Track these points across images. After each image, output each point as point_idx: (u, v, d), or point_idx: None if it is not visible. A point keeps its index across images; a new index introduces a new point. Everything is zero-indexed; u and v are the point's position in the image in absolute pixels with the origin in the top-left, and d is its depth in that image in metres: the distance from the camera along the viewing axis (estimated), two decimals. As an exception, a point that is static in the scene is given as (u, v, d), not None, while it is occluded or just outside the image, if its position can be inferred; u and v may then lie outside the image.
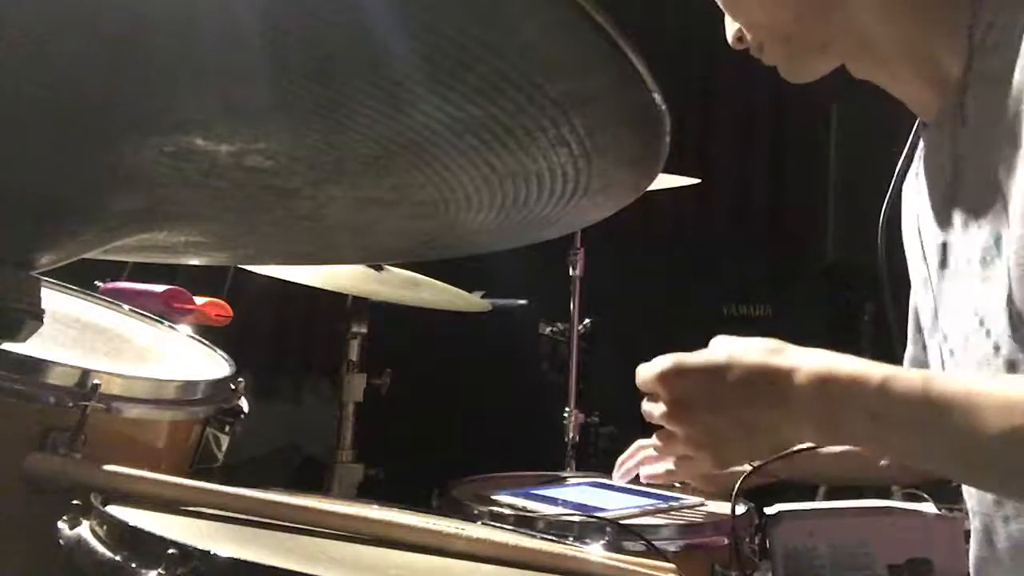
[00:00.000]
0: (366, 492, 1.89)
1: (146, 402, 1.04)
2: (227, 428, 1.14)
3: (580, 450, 2.31)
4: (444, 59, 0.54)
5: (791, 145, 3.78)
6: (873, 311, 2.98)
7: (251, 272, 1.88)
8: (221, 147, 0.64)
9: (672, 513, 1.35)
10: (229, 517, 0.82)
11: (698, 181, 2.28)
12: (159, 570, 0.63)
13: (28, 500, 0.85)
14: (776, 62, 1.08)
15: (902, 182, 1.15)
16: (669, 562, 0.94)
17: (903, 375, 0.88)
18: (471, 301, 2.11)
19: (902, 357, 1.25)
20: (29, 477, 0.84)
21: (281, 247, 0.96)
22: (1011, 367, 0.92)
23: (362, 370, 1.91)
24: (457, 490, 1.42)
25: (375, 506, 1.04)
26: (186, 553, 0.63)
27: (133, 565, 0.66)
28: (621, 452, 1.48)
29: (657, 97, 0.57)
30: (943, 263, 1.04)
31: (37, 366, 0.94)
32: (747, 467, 1.20)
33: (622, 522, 1.26)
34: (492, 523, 1.19)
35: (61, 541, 0.72)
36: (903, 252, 1.18)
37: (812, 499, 1.84)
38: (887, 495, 1.64)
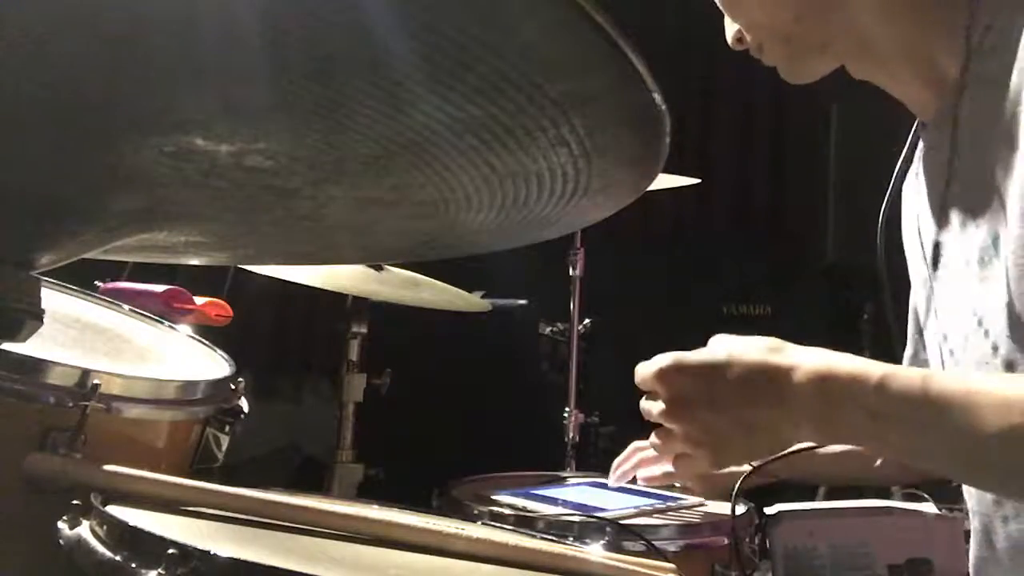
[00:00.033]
0: (366, 492, 1.89)
1: (146, 402, 1.04)
2: (227, 428, 1.14)
3: (580, 450, 2.31)
4: (444, 59, 0.54)
5: (791, 145, 3.78)
6: (873, 311, 2.98)
7: (251, 272, 1.88)
8: (221, 147, 0.64)
9: (672, 513, 1.35)
10: (229, 517, 0.82)
11: (698, 181, 2.28)
12: (159, 570, 0.63)
13: (28, 500, 0.85)
14: (776, 63, 1.08)
15: (901, 182, 1.15)
16: (669, 562, 0.94)
17: (902, 374, 0.88)
18: (471, 301, 2.11)
19: (902, 357, 1.25)
20: (29, 477, 0.84)
21: (281, 247, 0.96)
22: (1009, 367, 0.92)
23: (362, 370, 1.91)
24: (457, 490, 1.42)
25: (375, 506, 1.04)
26: (186, 553, 0.63)
27: (133, 565, 0.66)
28: (621, 452, 1.48)
29: (657, 97, 0.57)
30: (935, 263, 1.04)
31: (37, 366, 0.94)
32: (746, 467, 1.20)
33: (622, 522, 1.26)
34: (492, 523, 1.19)
35: (61, 541, 0.72)
36: (903, 252, 1.18)
37: (812, 499, 1.84)
38: (887, 495, 1.64)
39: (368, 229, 0.83)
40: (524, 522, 1.24)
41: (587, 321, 2.47)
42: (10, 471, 0.85)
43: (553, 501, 1.36)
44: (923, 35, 1.02)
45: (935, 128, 1.05)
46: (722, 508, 1.33)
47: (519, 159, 0.65)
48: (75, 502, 0.75)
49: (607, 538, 1.22)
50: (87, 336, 1.21)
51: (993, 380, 0.88)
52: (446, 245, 0.91)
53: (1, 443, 0.93)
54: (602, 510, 1.30)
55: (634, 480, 1.45)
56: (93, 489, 0.78)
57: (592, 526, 1.25)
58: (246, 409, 1.17)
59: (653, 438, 1.03)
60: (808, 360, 0.91)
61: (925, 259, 1.09)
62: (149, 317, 1.37)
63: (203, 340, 1.34)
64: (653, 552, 1.19)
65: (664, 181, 2.10)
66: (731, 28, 1.10)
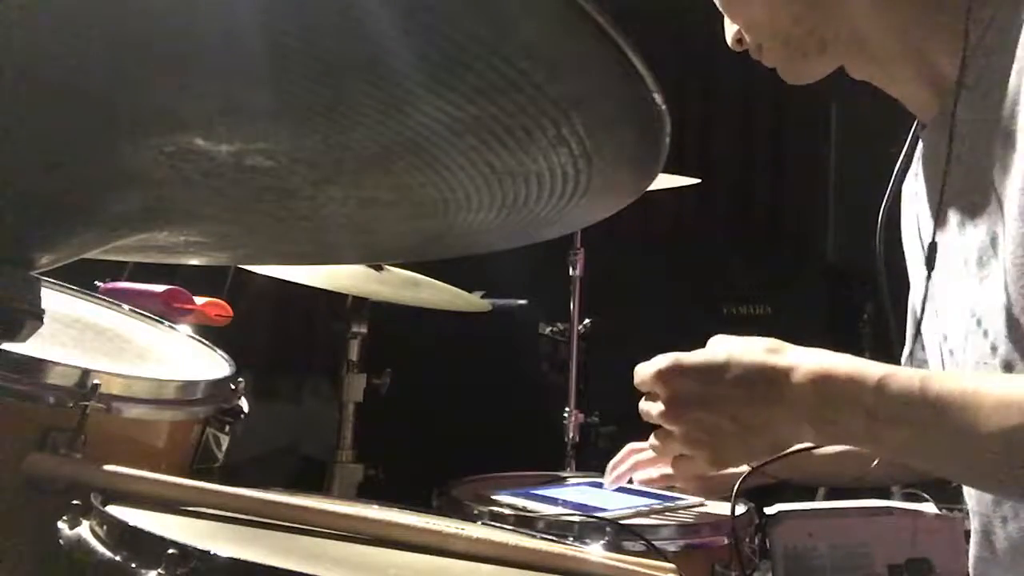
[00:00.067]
0: (366, 492, 1.89)
1: (146, 402, 1.04)
2: (227, 428, 1.14)
3: (580, 450, 2.31)
4: (444, 59, 0.54)
5: (791, 145, 3.78)
6: (873, 311, 2.98)
7: (251, 272, 1.88)
8: (221, 147, 0.64)
9: (672, 513, 1.35)
10: (229, 517, 0.82)
11: (698, 181, 2.28)
12: (159, 570, 0.63)
13: (28, 500, 0.85)
14: (775, 64, 1.08)
15: (901, 182, 1.15)
16: (669, 562, 0.94)
17: (901, 374, 0.88)
18: (471, 301, 2.11)
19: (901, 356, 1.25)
20: (29, 477, 0.84)
21: (281, 247, 0.96)
22: (1008, 367, 0.92)
23: (362, 370, 1.91)
24: (457, 490, 1.42)
25: (375, 506, 1.04)
26: (186, 553, 0.63)
27: (133, 565, 0.66)
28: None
29: (657, 97, 0.57)
30: (931, 263, 1.04)
31: (37, 366, 0.94)
32: (745, 468, 1.20)
33: (622, 522, 1.26)
34: (492, 523, 1.19)
35: (61, 541, 0.72)
36: (902, 252, 1.18)
37: (812, 499, 1.84)
38: (887, 495, 1.64)
39: (368, 229, 0.83)
40: (524, 522, 1.24)
41: (587, 321, 2.46)
42: (10, 471, 0.85)
43: (553, 501, 1.36)
44: (922, 35, 1.02)
45: (934, 128, 1.05)
46: (722, 508, 1.33)
47: (519, 159, 0.65)
48: (75, 502, 0.75)
49: (607, 538, 1.22)
50: (87, 336, 1.21)
51: (992, 380, 0.88)
52: (446, 245, 0.91)
53: (1, 443, 0.93)
54: (602, 510, 1.30)
55: (631, 482, 1.45)
56: (93, 489, 0.78)
57: (592, 526, 1.25)
58: (246, 409, 1.17)
59: (652, 439, 1.03)
60: (807, 361, 0.91)
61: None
62: (149, 317, 1.37)
63: (203, 340, 1.34)
64: (653, 552, 1.19)
65: (664, 181, 2.10)
66: (731, 29, 1.10)
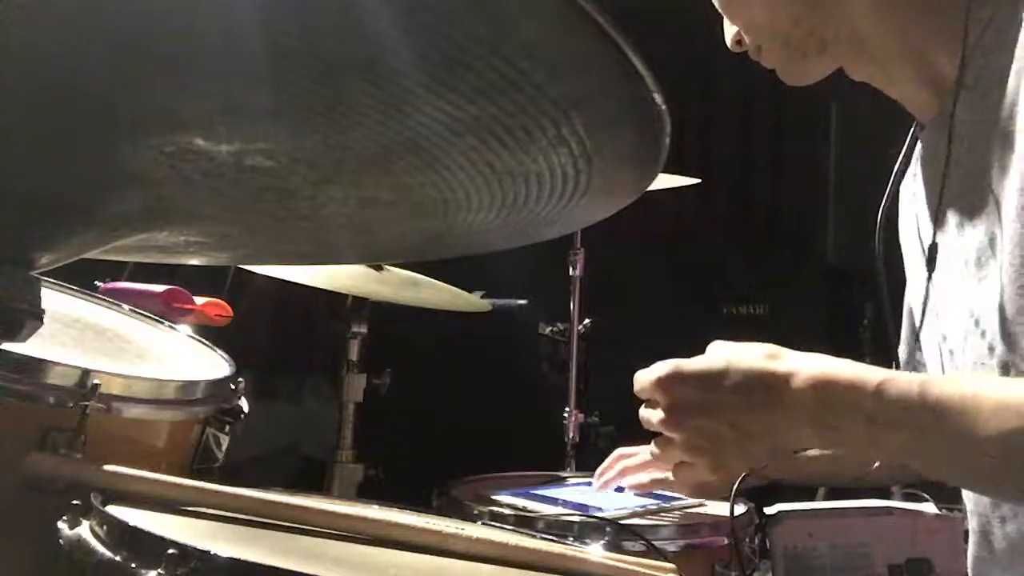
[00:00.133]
0: (366, 492, 1.89)
1: (146, 402, 1.04)
2: (227, 428, 1.14)
3: (580, 450, 2.31)
4: (444, 59, 0.54)
5: (791, 145, 3.78)
6: (872, 311, 2.98)
7: (251, 272, 1.88)
8: (221, 147, 0.64)
9: (672, 513, 1.35)
10: (229, 517, 0.82)
11: (698, 181, 2.28)
12: (159, 570, 0.63)
13: (28, 500, 0.85)
14: (774, 65, 1.08)
15: (899, 183, 1.15)
16: (669, 562, 0.94)
17: (900, 379, 0.88)
18: (471, 301, 2.11)
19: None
20: (29, 477, 0.84)
21: (281, 247, 0.96)
22: (1005, 367, 0.92)
23: (362, 370, 1.91)
24: (457, 490, 1.42)
25: (375, 506, 1.04)
26: (186, 553, 0.63)
27: (133, 565, 0.66)
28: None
29: (657, 97, 0.57)
30: (931, 263, 1.04)
31: (37, 366, 0.94)
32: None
33: (622, 522, 1.26)
34: (492, 523, 1.19)
35: (61, 541, 0.72)
36: (901, 253, 1.18)
37: (812, 499, 1.84)
38: (887, 495, 1.64)
39: (368, 229, 0.83)
40: (524, 522, 1.24)
41: (587, 321, 2.46)
42: (10, 471, 0.85)
43: (553, 501, 1.36)
44: (921, 36, 1.02)
45: (933, 129, 1.05)
46: (722, 508, 1.33)
47: (519, 159, 0.65)
48: (75, 502, 0.75)
49: (607, 538, 1.22)
50: (87, 336, 1.21)
51: (991, 384, 0.88)
52: (446, 245, 0.91)
53: (1, 443, 0.93)
54: (602, 510, 1.30)
55: (620, 489, 1.45)
56: (93, 489, 0.78)
57: (592, 526, 1.25)
58: (246, 409, 1.17)
59: (652, 447, 1.03)
60: (806, 366, 0.91)
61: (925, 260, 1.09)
62: (149, 317, 1.37)
63: (203, 340, 1.34)
64: (653, 552, 1.19)
65: (664, 181, 2.10)
66: (730, 30, 1.10)
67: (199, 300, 1.46)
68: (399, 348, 2.25)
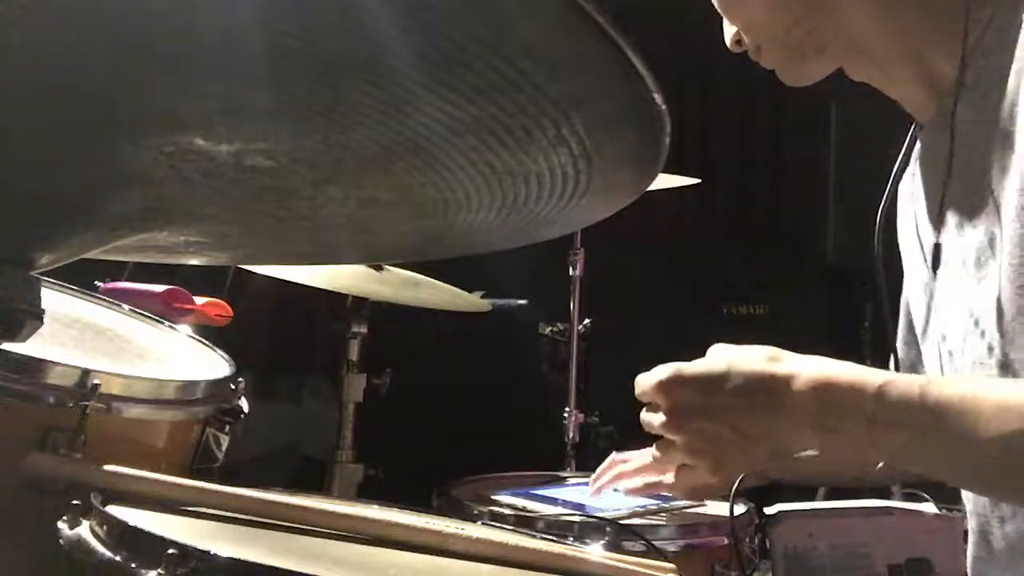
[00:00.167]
0: (366, 492, 1.89)
1: (146, 402, 1.04)
2: (227, 428, 1.14)
3: (580, 450, 2.31)
4: (444, 59, 0.54)
5: (791, 145, 3.78)
6: (872, 311, 2.98)
7: (251, 272, 1.88)
8: (221, 147, 0.64)
9: (672, 513, 1.35)
10: (229, 517, 0.82)
11: (698, 181, 2.27)
12: (159, 570, 0.64)
13: (28, 500, 0.85)
14: (773, 65, 1.08)
15: (898, 183, 1.15)
16: (669, 562, 0.94)
17: (901, 381, 0.88)
18: (471, 301, 2.11)
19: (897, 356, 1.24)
20: (29, 477, 0.84)
21: (281, 247, 0.96)
22: (1004, 368, 0.92)
23: (362, 370, 1.91)
24: (457, 490, 1.42)
25: (375, 506, 1.04)
26: (186, 553, 0.63)
27: (133, 565, 0.66)
28: (621, 452, 1.47)
29: (657, 97, 0.57)
30: (935, 264, 1.04)
31: (37, 366, 0.94)
32: None
33: (622, 522, 1.26)
34: (492, 523, 1.19)
35: (61, 541, 0.72)
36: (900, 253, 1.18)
37: (812, 499, 1.84)
38: (887, 495, 1.64)
39: (368, 229, 0.83)
40: (524, 522, 1.24)
41: (587, 321, 2.46)
42: (10, 471, 0.85)
43: (553, 501, 1.36)
44: (920, 37, 1.02)
45: (932, 129, 1.05)
46: (722, 508, 1.33)
47: (519, 159, 0.65)
48: (75, 502, 0.75)
49: (607, 538, 1.22)
50: (87, 336, 1.21)
51: (991, 386, 0.88)
52: (446, 245, 0.91)
53: (1, 443, 0.93)
54: (602, 510, 1.30)
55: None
56: (93, 489, 0.78)
57: (592, 526, 1.25)
58: (246, 409, 1.17)
59: (654, 450, 1.03)
60: (807, 368, 0.91)
61: (925, 260, 1.09)
62: (149, 317, 1.37)
63: (203, 340, 1.34)
64: (653, 552, 1.19)
65: (664, 181, 2.10)
66: (729, 30, 1.10)
67: (199, 300, 1.46)
68: (399, 348, 2.25)
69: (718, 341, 1.00)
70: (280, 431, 3.37)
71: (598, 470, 1.44)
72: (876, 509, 1.21)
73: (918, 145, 1.11)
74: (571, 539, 1.15)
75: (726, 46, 1.11)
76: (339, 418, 1.90)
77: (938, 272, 1.04)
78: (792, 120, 3.71)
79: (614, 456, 1.42)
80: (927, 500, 1.24)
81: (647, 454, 1.36)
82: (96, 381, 0.96)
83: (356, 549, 0.81)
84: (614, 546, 1.20)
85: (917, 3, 1.02)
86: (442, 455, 2.22)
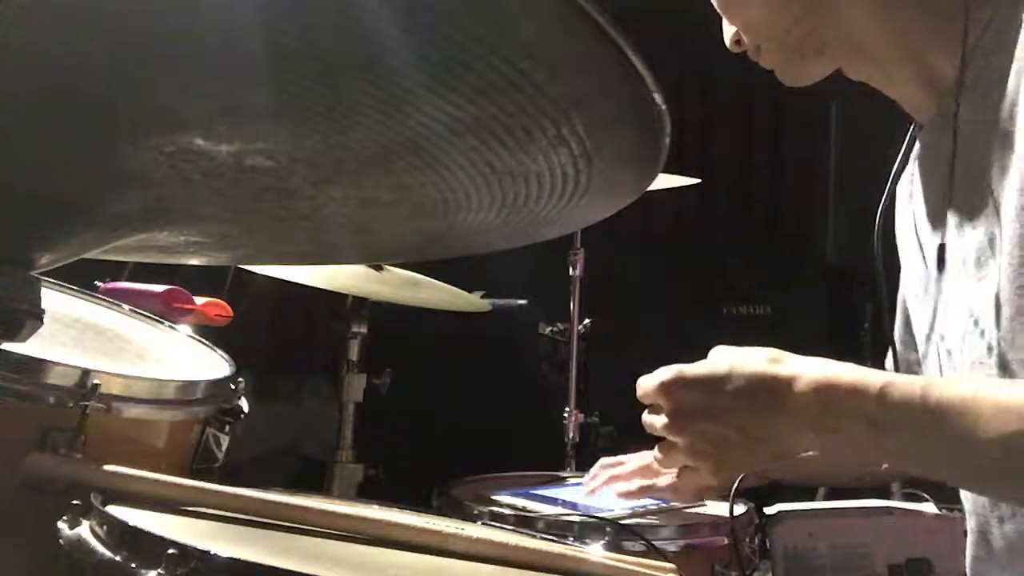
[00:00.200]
0: (366, 492, 1.89)
1: (146, 402, 1.04)
2: (227, 428, 1.14)
3: (580, 450, 2.31)
4: (444, 59, 0.54)
5: (790, 145, 3.78)
6: (872, 311, 2.98)
7: (251, 272, 1.88)
8: (221, 147, 0.64)
9: (672, 513, 1.35)
10: (229, 517, 0.82)
11: (698, 181, 2.28)
12: (159, 570, 0.63)
13: (28, 500, 0.85)
14: (773, 66, 1.08)
15: (897, 183, 1.15)
16: (669, 562, 0.94)
17: (902, 382, 0.88)
18: (471, 301, 2.11)
19: (896, 356, 1.24)
20: (29, 477, 0.84)
21: (281, 247, 0.96)
22: (1003, 368, 0.93)
23: (362, 370, 1.91)
24: (457, 490, 1.42)
25: (375, 506, 1.04)
26: (186, 553, 0.63)
27: (133, 565, 0.66)
28: (621, 452, 1.47)
29: (657, 97, 0.57)
30: (941, 264, 1.04)
31: (37, 366, 0.94)
32: None
33: (622, 522, 1.26)
34: (492, 523, 1.19)
35: (61, 541, 0.72)
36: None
37: (812, 499, 1.84)
38: (887, 495, 1.64)
39: (368, 229, 0.83)
40: (524, 522, 1.24)
41: (587, 321, 2.46)
42: (10, 471, 0.85)
43: (553, 501, 1.36)
44: (919, 37, 1.02)
45: (932, 129, 1.05)
46: (722, 508, 1.33)
47: (519, 159, 0.65)
48: (75, 502, 0.75)
49: (607, 538, 1.22)
50: (87, 336, 1.21)
51: (992, 387, 0.88)
52: (446, 245, 0.91)
53: (1, 443, 0.93)
54: (602, 510, 1.30)
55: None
56: (93, 489, 0.78)
57: (592, 526, 1.25)
58: (246, 409, 1.17)
59: (656, 452, 1.03)
60: (808, 370, 0.91)
61: (924, 260, 1.09)
62: (149, 317, 1.37)
63: (203, 340, 1.34)
64: (653, 552, 1.19)
65: (664, 181, 2.10)
66: (729, 30, 1.10)
67: (199, 300, 1.46)
68: (399, 348, 2.25)
69: (718, 341, 1.00)
70: (280, 431, 3.37)
71: (587, 476, 1.44)
72: (876, 509, 1.21)
73: (917, 145, 1.11)
74: (571, 539, 1.15)
75: (726, 46, 1.11)
76: (339, 418, 1.90)
77: (943, 272, 1.04)
78: (792, 120, 3.71)
79: (603, 461, 1.42)
80: (927, 500, 1.24)
81: (640, 457, 1.37)
82: (96, 381, 0.96)
83: (356, 549, 0.81)
84: (614, 546, 1.20)
85: (917, 3, 1.02)
86: (442, 455, 2.22)
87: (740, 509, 1.31)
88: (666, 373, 0.97)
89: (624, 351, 2.56)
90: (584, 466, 2.19)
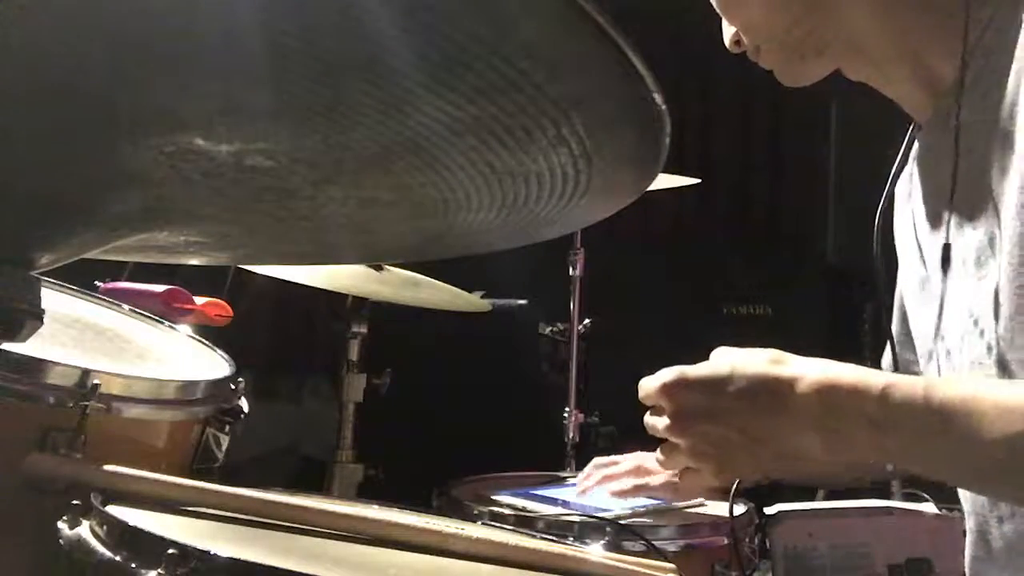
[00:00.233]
0: (366, 492, 1.89)
1: (146, 402, 1.04)
2: (227, 428, 1.14)
3: (580, 450, 2.31)
4: (443, 59, 0.54)
5: (790, 145, 3.78)
6: (872, 311, 2.98)
7: (251, 272, 1.88)
8: (221, 147, 0.64)
9: (672, 513, 1.35)
10: (229, 517, 0.82)
11: (698, 181, 2.28)
12: (159, 570, 0.64)
13: (28, 500, 0.85)
14: (772, 66, 1.08)
15: (896, 184, 1.15)
16: (669, 562, 0.94)
17: (904, 383, 0.88)
18: (471, 301, 2.11)
19: (896, 356, 1.24)
20: (29, 477, 0.84)
21: (281, 247, 0.96)
22: (1003, 368, 0.92)
23: (362, 370, 1.91)
24: (457, 490, 1.42)
25: (375, 506, 1.04)
26: (186, 553, 0.63)
27: (133, 565, 0.66)
28: (621, 452, 1.47)
29: (657, 97, 0.57)
30: (946, 264, 1.04)
31: (37, 366, 0.94)
32: None
33: (622, 522, 1.26)
34: (492, 523, 1.19)
35: (61, 541, 0.72)
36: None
37: (812, 499, 1.84)
38: (887, 495, 1.64)
39: (368, 229, 0.83)
40: (524, 522, 1.24)
41: (587, 321, 2.46)
42: (10, 471, 0.85)
43: (553, 501, 1.36)
44: (919, 36, 1.02)
45: (931, 129, 1.05)
46: (722, 508, 1.33)
47: (519, 159, 0.65)
48: (75, 502, 0.75)
49: (607, 538, 1.23)
50: (87, 336, 1.21)
51: (995, 387, 0.88)
52: (446, 245, 0.91)
53: (1, 443, 0.93)
54: (602, 510, 1.30)
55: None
56: (93, 489, 0.78)
57: (592, 526, 1.25)
58: (246, 409, 1.17)
59: (658, 454, 1.03)
60: (810, 371, 0.91)
61: (923, 260, 1.09)
62: (149, 317, 1.37)
63: (203, 340, 1.34)
64: (653, 552, 1.19)
65: (664, 181, 2.10)
66: (728, 31, 1.10)
67: (199, 300, 1.46)
68: (399, 348, 2.25)
69: (718, 341, 1.00)
70: (280, 431, 3.37)
71: (581, 475, 1.44)
72: (876, 509, 1.21)
73: (916, 145, 1.11)
74: (571, 539, 1.15)
75: (725, 46, 1.11)
76: (339, 418, 1.90)
77: (948, 272, 1.04)
78: (792, 120, 3.71)
79: (596, 461, 1.42)
80: (927, 500, 1.24)
81: (634, 458, 1.37)
82: (96, 381, 0.96)
83: (356, 549, 0.81)
84: (614, 546, 1.20)
85: (917, 3, 1.02)
86: (442, 455, 2.21)
87: (740, 509, 1.31)
88: (668, 374, 0.97)
89: (624, 351, 2.56)
90: (584, 466, 2.20)
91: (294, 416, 3.57)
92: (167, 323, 1.37)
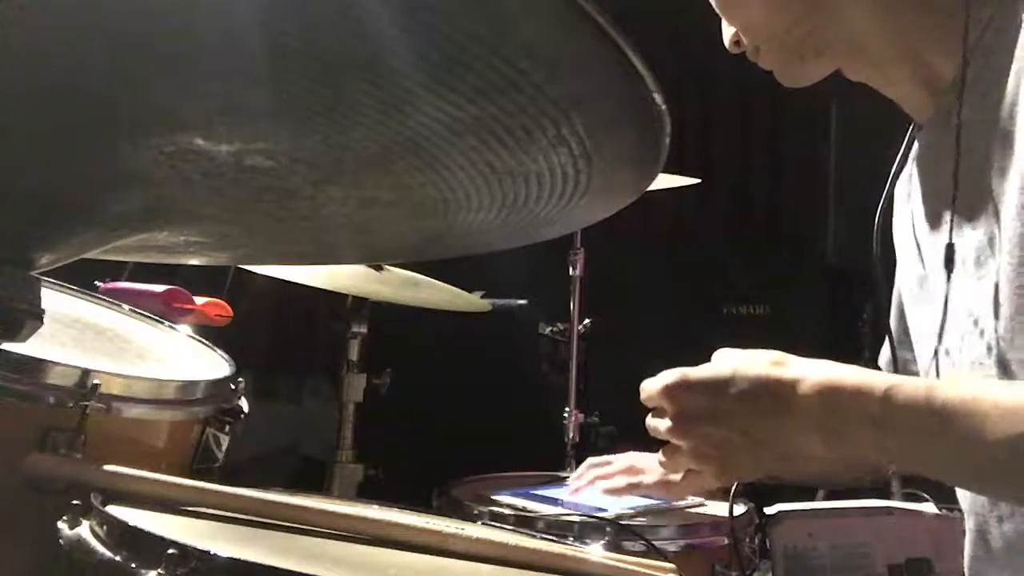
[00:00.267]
0: (366, 492, 1.89)
1: (146, 402, 1.04)
2: (227, 428, 1.14)
3: (580, 450, 2.31)
4: (444, 59, 0.54)
5: (790, 146, 3.78)
6: (872, 311, 2.98)
7: (251, 272, 1.88)
8: (221, 147, 0.64)
9: (672, 513, 1.35)
10: (229, 517, 0.82)
11: (698, 181, 2.28)
12: (159, 570, 0.64)
13: (28, 500, 0.85)
14: (772, 66, 1.08)
15: (896, 184, 1.15)
16: (669, 562, 0.94)
17: (907, 384, 0.88)
18: (471, 301, 2.11)
19: (895, 356, 1.24)
20: (29, 477, 0.84)
21: (281, 247, 0.96)
22: (1003, 368, 0.92)
23: (362, 370, 1.91)
24: (457, 490, 1.42)
25: (375, 506, 1.04)
26: (186, 553, 0.63)
27: (133, 565, 0.66)
28: (621, 452, 1.47)
29: (657, 97, 0.57)
30: (950, 264, 1.04)
31: (37, 366, 0.94)
32: None
33: (622, 522, 1.26)
34: (492, 523, 1.19)
35: (61, 541, 0.72)
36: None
37: (812, 499, 1.84)
38: (887, 495, 1.64)
39: (368, 229, 0.83)
40: (524, 522, 1.24)
41: (587, 321, 2.46)
42: (10, 471, 0.85)
43: (553, 501, 1.36)
44: (919, 36, 1.02)
45: (931, 129, 1.05)
46: (722, 508, 1.33)
47: (519, 159, 0.65)
48: (75, 502, 0.75)
49: (607, 538, 1.23)
50: (87, 336, 1.21)
51: (997, 388, 0.88)
52: (446, 245, 0.91)
53: (1, 443, 0.93)
54: (602, 510, 1.30)
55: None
56: (93, 489, 0.78)
57: (592, 526, 1.25)
58: (246, 409, 1.17)
59: (660, 455, 1.03)
60: (812, 372, 0.91)
61: (922, 260, 1.09)
62: (149, 317, 1.37)
63: (203, 340, 1.34)
64: (653, 552, 1.19)
65: (664, 181, 2.10)
66: (728, 30, 1.10)
67: (199, 300, 1.46)
68: (399, 348, 2.25)
69: (718, 341, 1.00)
70: (280, 431, 3.37)
71: (573, 476, 1.44)
72: (876, 509, 1.21)
73: (916, 145, 1.11)
74: (571, 539, 1.15)
75: (725, 47, 1.11)
76: (339, 418, 1.90)
77: (952, 273, 1.04)
78: (792, 120, 3.71)
79: (590, 461, 1.43)
80: (927, 500, 1.24)
81: (627, 458, 1.37)
82: (96, 381, 0.96)
83: (356, 549, 0.81)
84: (614, 546, 1.20)
85: (917, 3, 1.02)
86: (442, 455, 2.21)
87: (740, 509, 1.31)
88: (670, 376, 0.97)
89: (624, 351, 2.56)
90: (584, 466, 2.20)
91: (294, 416, 3.56)
92: (167, 323, 1.37)
